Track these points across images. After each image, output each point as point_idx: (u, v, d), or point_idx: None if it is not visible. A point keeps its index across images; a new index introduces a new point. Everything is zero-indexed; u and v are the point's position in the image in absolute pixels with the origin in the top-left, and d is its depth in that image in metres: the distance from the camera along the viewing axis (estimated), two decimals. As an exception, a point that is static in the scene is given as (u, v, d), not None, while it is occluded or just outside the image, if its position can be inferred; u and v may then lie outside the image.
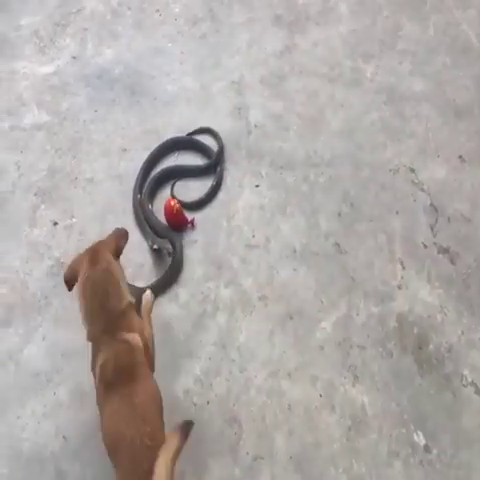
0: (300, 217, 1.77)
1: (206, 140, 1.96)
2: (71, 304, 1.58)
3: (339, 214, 1.77)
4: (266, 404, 1.40)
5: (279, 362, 1.46)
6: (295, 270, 1.64)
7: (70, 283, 1.17)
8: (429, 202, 1.79)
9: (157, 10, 2.44)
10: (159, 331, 1.33)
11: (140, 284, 1.57)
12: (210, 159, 1.89)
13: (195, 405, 1.39)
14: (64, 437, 1.36)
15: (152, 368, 1.21)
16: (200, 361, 1.47)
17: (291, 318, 1.54)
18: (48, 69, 2.22)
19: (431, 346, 1.48)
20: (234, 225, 1.75)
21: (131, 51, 2.28)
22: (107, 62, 2.24)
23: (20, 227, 1.76)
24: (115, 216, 1.78)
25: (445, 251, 1.67)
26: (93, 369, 1.17)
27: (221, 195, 1.83)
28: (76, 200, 1.83)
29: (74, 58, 2.26)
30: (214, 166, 1.87)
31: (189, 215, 1.76)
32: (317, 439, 1.35)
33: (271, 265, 1.65)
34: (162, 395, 1.16)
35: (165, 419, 1.13)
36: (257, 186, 1.85)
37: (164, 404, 1.15)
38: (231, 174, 1.88)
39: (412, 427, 1.36)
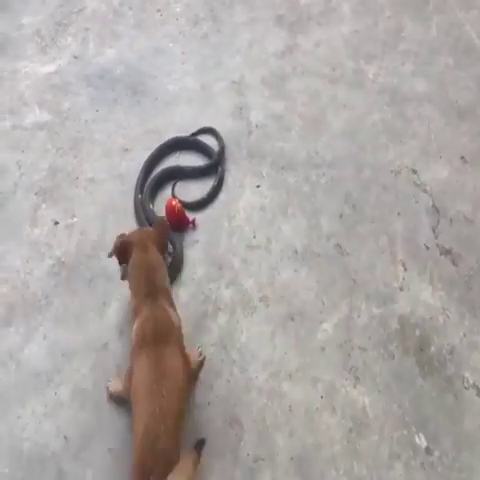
0: (301, 218, 1.76)
1: (207, 140, 1.96)
2: (72, 304, 1.58)
3: (341, 215, 1.77)
4: (267, 405, 1.39)
5: (280, 363, 1.46)
6: (296, 271, 1.64)
7: (123, 253, 1.30)
8: (431, 203, 1.78)
9: (158, 10, 2.44)
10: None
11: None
12: (211, 159, 1.89)
13: (196, 406, 1.39)
14: (65, 437, 1.36)
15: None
16: (201, 362, 1.46)
17: (292, 319, 1.54)
18: (50, 69, 2.22)
19: (433, 348, 1.48)
20: (235, 225, 1.75)
21: (132, 51, 2.28)
22: (108, 62, 2.24)
23: (21, 226, 1.76)
24: (116, 216, 1.78)
25: (447, 253, 1.66)
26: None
27: (222, 195, 1.83)
28: (77, 200, 1.83)
29: (75, 58, 2.26)
30: (215, 167, 1.87)
31: (190, 215, 1.76)
32: (318, 441, 1.34)
33: (272, 266, 1.65)
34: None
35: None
36: (258, 186, 1.85)
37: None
38: (232, 174, 1.88)
39: (413, 429, 1.36)
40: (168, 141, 1.95)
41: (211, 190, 1.82)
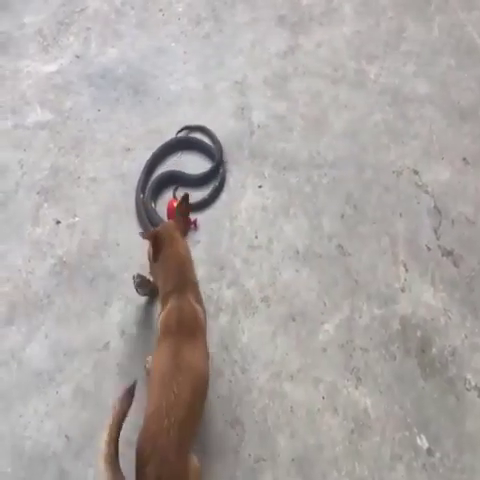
0: (303, 218, 1.76)
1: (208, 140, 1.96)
2: (73, 303, 1.58)
3: (342, 216, 1.77)
4: (268, 406, 1.39)
5: (281, 364, 1.46)
6: (298, 271, 1.64)
7: (157, 245, 1.29)
8: (433, 204, 1.78)
9: (160, 9, 2.44)
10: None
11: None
12: (213, 160, 1.88)
13: (197, 406, 1.39)
14: (66, 436, 1.36)
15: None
16: (202, 362, 1.46)
17: (294, 320, 1.54)
18: (51, 68, 2.22)
19: (434, 349, 1.48)
20: (237, 226, 1.75)
21: (134, 50, 2.28)
22: (110, 61, 2.24)
23: (23, 226, 1.76)
24: (118, 215, 1.78)
25: (449, 254, 1.66)
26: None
27: (224, 196, 1.83)
28: (79, 199, 1.83)
29: (77, 57, 2.26)
30: (217, 169, 1.86)
31: (192, 216, 1.75)
32: (319, 441, 1.34)
33: (274, 266, 1.65)
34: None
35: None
36: (260, 187, 1.85)
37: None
38: (234, 175, 1.88)
39: (415, 430, 1.36)
40: (170, 141, 1.95)
41: (212, 190, 1.82)
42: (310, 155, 1.92)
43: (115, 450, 0.98)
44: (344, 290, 1.59)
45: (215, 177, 1.85)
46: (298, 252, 1.68)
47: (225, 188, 1.85)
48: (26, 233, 1.74)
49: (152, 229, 1.38)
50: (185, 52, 2.27)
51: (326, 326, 1.52)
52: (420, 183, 1.84)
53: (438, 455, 1.32)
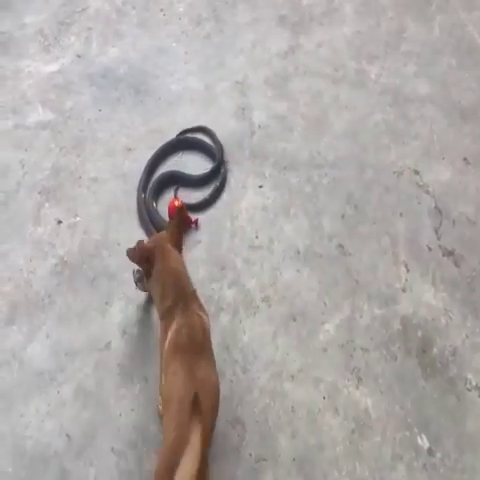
0: (304, 218, 1.76)
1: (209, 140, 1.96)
2: (75, 303, 1.58)
3: (343, 216, 1.77)
4: (269, 406, 1.40)
5: (282, 364, 1.46)
6: (298, 271, 1.64)
7: (148, 261, 1.27)
8: (433, 204, 1.78)
9: (161, 9, 2.44)
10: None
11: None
12: (214, 160, 1.89)
13: (198, 406, 1.39)
14: (68, 436, 1.36)
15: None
16: (203, 362, 1.46)
17: (294, 319, 1.54)
18: (52, 68, 2.23)
19: (435, 349, 1.48)
20: (237, 226, 1.75)
21: (136, 50, 2.28)
22: (111, 61, 2.24)
23: (24, 225, 1.76)
24: (119, 215, 1.78)
25: (450, 254, 1.66)
26: (162, 345, 1.22)
27: (225, 196, 1.83)
28: (80, 199, 1.83)
29: (79, 57, 2.26)
30: (218, 170, 1.86)
31: (193, 215, 1.76)
32: (320, 441, 1.34)
33: (274, 266, 1.65)
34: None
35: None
36: (260, 187, 1.85)
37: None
38: (234, 175, 1.88)
39: (416, 430, 1.36)
40: (171, 140, 1.95)
41: (213, 191, 1.82)
42: (311, 155, 1.92)
43: None
44: (345, 290, 1.59)
45: (216, 177, 1.85)
46: (299, 252, 1.68)
47: (226, 188, 1.85)
48: (27, 233, 1.75)
49: (138, 245, 1.33)
50: (186, 52, 2.27)
51: (327, 326, 1.52)
52: (421, 183, 1.84)
53: (439, 455, 1.32)
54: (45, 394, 1.42)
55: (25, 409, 1.40)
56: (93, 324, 1.54)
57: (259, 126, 2.01)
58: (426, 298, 1.57)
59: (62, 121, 2.05)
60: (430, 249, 1.68)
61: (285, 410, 1.39)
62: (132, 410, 1.39)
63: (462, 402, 1.39)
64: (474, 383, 1.42)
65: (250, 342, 1.50)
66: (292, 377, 1.44)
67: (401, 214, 1.76)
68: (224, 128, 1.98)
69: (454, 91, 2.08)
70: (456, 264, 1.64)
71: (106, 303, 1.58)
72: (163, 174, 1.87)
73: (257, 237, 1.72)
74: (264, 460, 1.32)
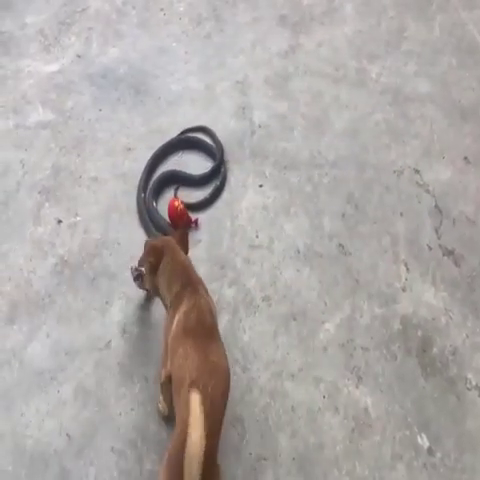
0: (304, 218, 1.76)
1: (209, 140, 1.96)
2: (75, 302, 1.59)
3: (343, 215, 1.77)
4: (269, 405, 1.40)
5: (282, 363, 1.46)
6: (299, 271, 1.64)
7: (156, 261, 1.31)
8: (434, 204, 1.78)
9: (161, 9, 2.44)
10: (162, 330, 1.33)
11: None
12: (214, 159, 1.89)
13: (198, 405, 1.39)
14: (68, 435, 1.36)
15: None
16: (203, 361, 1.46)
17: (294, 319, 1.54)
18: (53, 68, 2.23)
19: (435, 349, 1.48)
20: (238, 225, 1.75)
21: (136, 50, 2.28)
22: (112, 61, 2.25)
23: (24, 225, 1.76)
24: (119, 215, 1.78)
25: (450, 253, 1.66)
26: (167, 330, 1.22)
27: (225, 195, 1.83)
28: (80, 198, 1.83)
29: (79, 57, 2.27)
30: (218, 169, 1.86)
31: (193, 215, 1.76)
32: (320, 440, 1.34)
33: (274, 265, 1.65)
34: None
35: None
36: (261, 186, 1.85)
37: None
38: (235, 174, 1.88)
39: (416, 430, 1.36)
40: (171, 140, 1.95)
41: (214, 190, 1.82)
42: (311, 155, 1.92)
43: None
44: (345, 289, 1.59)
45: (216, 177, 1.85)
46: (299, 251, 1.68)
47: (226, 187, 1.85)
48: (27, 232, 1.75)
49: (147, 246, 1.36)
50: (186, 52, 2.27)
51: (327, 325, 1.52)
52: (421, 182, 1.84)
53: (439, 455, 1.32)
54: (45, 393, 1.42)
55: (25, 408, 1.40)
56: (93, 323, 1.54)
57: (259, 126, 2.01)
58: (426, 298, 1.57)
59: (62, 121, 2.05)
60: (430, 248, 1.67)
61: (285, 409, 1.39)
62: (132, 409, 1.39)
63: (462, 402, 1.39)
64: (474, 383, 1.42)
65: (250, 341, 1.50)
66: (292, 376, 1.44)
67: (401, 213, 1.76)
68: (224, 128, 1.98)
69: (454, 90, 2.08)
70: (456, 264, 1.64)
71: (106, 302, 1.58)
72: (163, 173, 1.87)
73: (257, 236, 1.72)
74: (264, 459, 1.32)
